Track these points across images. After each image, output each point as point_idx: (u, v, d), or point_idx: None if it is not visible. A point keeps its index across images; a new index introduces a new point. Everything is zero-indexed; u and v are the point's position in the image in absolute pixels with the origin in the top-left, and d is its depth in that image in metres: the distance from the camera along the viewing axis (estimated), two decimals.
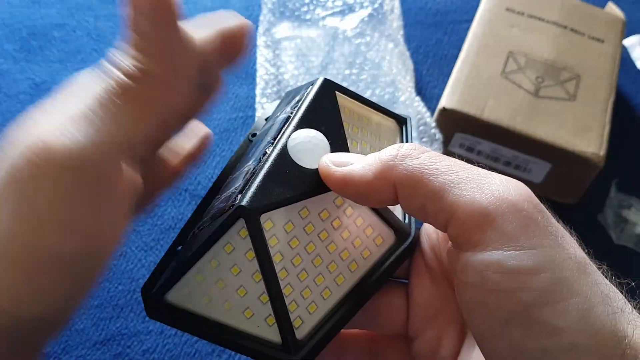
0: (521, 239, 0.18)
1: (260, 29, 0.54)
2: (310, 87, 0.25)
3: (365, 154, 0.23)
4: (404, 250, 0.25)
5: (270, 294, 0.22)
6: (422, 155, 0.21)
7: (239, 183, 0.23)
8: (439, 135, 0.45)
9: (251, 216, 0.21)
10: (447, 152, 0.46)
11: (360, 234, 0.25)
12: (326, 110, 0.25)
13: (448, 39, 0.58)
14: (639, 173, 0.50)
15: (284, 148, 0.23)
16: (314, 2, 0.56)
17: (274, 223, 0.22)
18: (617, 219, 0.46)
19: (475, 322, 0.19)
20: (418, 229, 0.26)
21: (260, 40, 0.53)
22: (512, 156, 0.44)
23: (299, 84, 0.51)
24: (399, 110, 0.48)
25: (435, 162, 0.20)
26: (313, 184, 0.23)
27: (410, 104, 0.48)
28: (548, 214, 0.20)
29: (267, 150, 0.23)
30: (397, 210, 0.26)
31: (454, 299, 0.24)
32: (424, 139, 0.45)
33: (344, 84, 0.50)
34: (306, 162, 0.23)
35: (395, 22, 0.55)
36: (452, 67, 0.47)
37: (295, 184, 0.22)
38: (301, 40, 0.53)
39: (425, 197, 0.20)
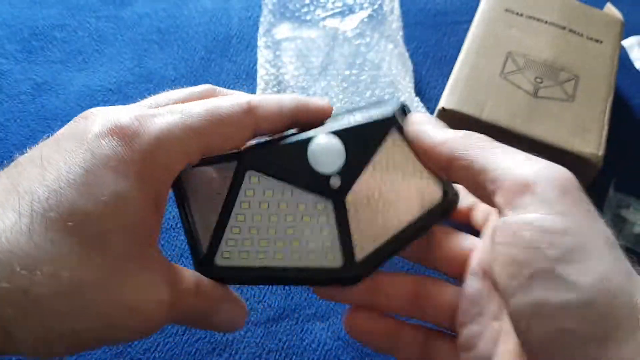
0: (557, 205, 0.20)
1: (261, 30, 0.54)
2: (380, 107, 0.26)
3: (376, 196, 0.25)
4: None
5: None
6: (475, 135, 0.24)
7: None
8: None
9: (245, 165, 0.25)
10: None
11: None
12: (365, 142, 0.25)
13: (447, 40, 0.58)
14: (637, 173, 0.50)
15: (305, 142, 0.25)
16: (314, 3, 0.56)
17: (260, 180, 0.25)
18: (616, 218, 0.46)
19: (503, 279, 0.20)
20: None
21: (261, 41, 0.54)
22: None
23: (299, 85, 0.51)
24: None
25: (490, 142, 0.23)
26: (309, 180, 0.25)
27: (409, 104, 0.48)
28: (585, 195, 0.21)
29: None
30: None
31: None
32: None
33: (344, 85, 0.51)
34: (314, 163, 0.25)
35: (394, 23, 0.55)
36: (451, 68, 0.47)
37: (296, 172, 0.25)
38: (301, 41, 0.54)
39: (478, 171, 0.22)
